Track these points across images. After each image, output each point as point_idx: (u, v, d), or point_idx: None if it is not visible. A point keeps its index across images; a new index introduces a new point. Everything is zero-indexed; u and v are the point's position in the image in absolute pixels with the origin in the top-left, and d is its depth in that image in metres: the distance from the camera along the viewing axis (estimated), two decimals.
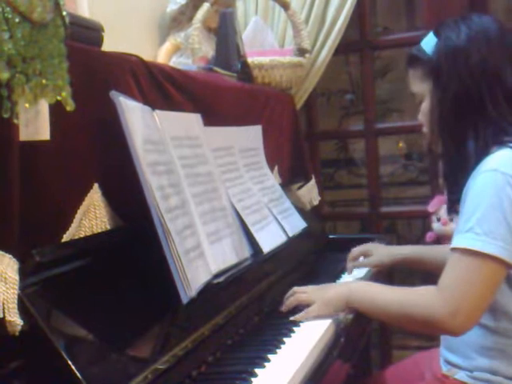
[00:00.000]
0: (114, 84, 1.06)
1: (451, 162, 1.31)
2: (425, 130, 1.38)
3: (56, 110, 0.80)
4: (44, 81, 0.63)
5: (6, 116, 0.67)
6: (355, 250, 1.72)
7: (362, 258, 1.72)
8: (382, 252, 1.68)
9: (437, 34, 1.30)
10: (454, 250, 1.19)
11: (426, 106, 1.34)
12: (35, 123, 0.74)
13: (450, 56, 1.26)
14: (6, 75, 0.56)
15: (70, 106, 0.69)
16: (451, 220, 2.14)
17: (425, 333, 1.26)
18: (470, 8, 2.24)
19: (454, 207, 1.30)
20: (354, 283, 1.35)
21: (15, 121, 0.68)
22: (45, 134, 0.77)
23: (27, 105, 0.63)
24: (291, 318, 1.28)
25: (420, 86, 1.34)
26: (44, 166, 0.89)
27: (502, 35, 1.27)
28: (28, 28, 0.58)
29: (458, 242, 1.18)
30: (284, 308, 1.33)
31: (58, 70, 0.64)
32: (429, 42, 1.31)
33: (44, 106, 0.76)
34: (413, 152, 3.67)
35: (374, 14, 2.92)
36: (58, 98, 0.68)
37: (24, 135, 0.74)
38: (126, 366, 0.90)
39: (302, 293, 1.33)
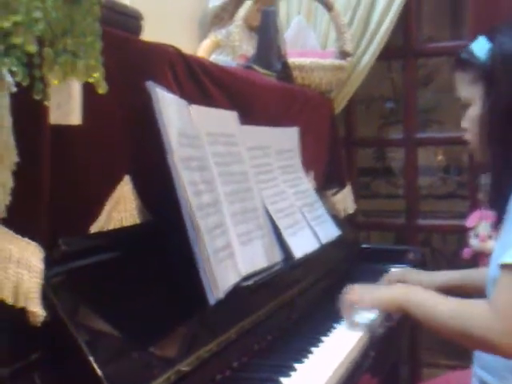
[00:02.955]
0: (150, 74, 1.03)
1: (499, 173, 1.25)
2: (468, 136, 1.32)
3: (89, 95, 0.77)
4: (75, 58, 0.60)
5: (37, 97, 0.64)
6: (393, 274, 1.66)
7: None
8: (423, 279, 1.60)
9: (490, 39, 1.25)
10: (503, 266, 1.13)
11: (473, 111, 1.28)
12: (67, 106, 0.72)
13: (505, 61, 1.22)
14: (33, 48, 0.53)
15: (102, 89, 0.66)
16: (489, 237, 2.07)
17: (481, 351, 1.21)
18: None
19: (499, 222, 1.23)
20: (409, 289, 1.30)
21: (46, 103, 0.66)
22: (76, 118, 0.74)
23: (56, 81, 0.60)
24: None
25: (469, 90, 1.28)
26: (75, 152, 0.87)
27: None
28: (60, 2, 0.55)
29: (506, 257, 1.12)
30: (343, 311, 1.34)
31: (90, 49, 0.61)
32: (481, 47, 1.26)
33: (76, 89, 0.73)
34: (451, 165, 3.59)
35: (418, 22, 2.85)
36: (90, 79, 0.65)
37: (55, 118, 0.72)
38: (149, 366, 0.86)
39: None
